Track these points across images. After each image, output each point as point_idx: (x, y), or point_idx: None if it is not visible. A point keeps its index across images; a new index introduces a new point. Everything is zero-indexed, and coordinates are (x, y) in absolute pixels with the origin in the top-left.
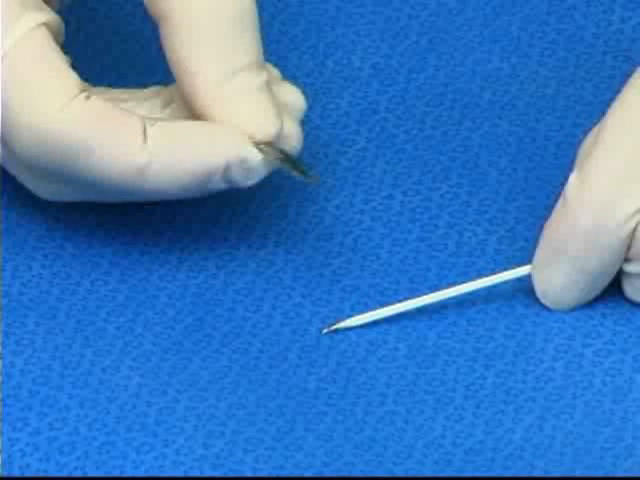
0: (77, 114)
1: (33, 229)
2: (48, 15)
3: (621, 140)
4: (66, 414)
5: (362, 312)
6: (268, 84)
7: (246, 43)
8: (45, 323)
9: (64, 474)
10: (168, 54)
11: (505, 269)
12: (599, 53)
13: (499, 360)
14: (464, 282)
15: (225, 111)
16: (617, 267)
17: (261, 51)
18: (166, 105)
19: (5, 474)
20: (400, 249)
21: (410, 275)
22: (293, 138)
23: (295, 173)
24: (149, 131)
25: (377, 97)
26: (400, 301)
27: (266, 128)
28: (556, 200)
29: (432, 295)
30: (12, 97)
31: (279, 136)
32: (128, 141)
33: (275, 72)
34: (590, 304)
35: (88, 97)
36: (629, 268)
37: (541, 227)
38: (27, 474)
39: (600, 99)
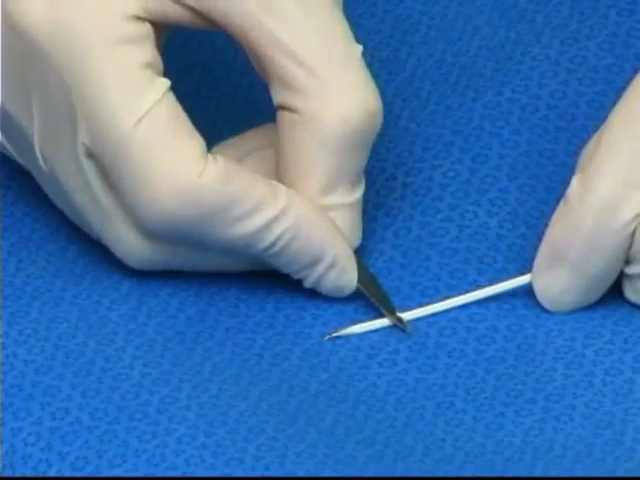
0: (210, 172)
1: (37, 229)
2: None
3: (623, 145)
4: (68, 403)
5: (365, 312)
6: (360, 201)
7: (357, 160)
8: (48, 312)
9: (66, 463)
10: (281, 143)
11: (506, 254)
12: (604, 16)
13: (500, 362)
14: (464, 272)
15: None
16: (617, 270)
17: (364, 168)
18: (251, 152)
19: (7, 464)
20: (403, 240)
21: (412, 268)
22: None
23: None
24: (279, 190)
25: (385, 86)
26: (402, 308)
27: (351, 242)
28: (556, 175)
29: (433, 306)
30: (148, 161)
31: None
32: (260, 193)
33: None
34: (590, 305)
35: (214, 157)
36: (629, 270)
37: (541, 209)
38: (29, 464)
39: (603, 64)
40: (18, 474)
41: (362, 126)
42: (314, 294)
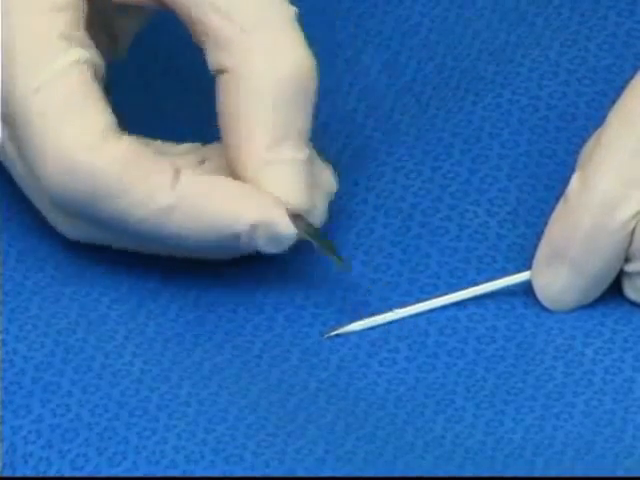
0: (107, 152)
1: (38, 224)
2: (92, 54)
3: (622, 143)
4: (68, 400)
5: (364, 309)
6: (309, 161)
7: (299, 116)
8: (48, 307)
9: (66, 461)
10: (221, 108)
11: (506, 254)
12: (604, 17)
13: (500, 361)
14: (464, 271)
15: (264, 176)
16: (617, 269)
17: (310, 129)
18: (200, 163)
19: (7, 462)
20: (403, 238)
21: (412, 264)
22: (317, 216)
23: (326, 253)
24: (182, 176)
25: (385, 91)
26: (401, 305)
27: (300, 200)
28: (556, 175)
29: (432, 301)
30: (44, 130)
31: (308, 212)
32: (156, 180)
33: (313, 150)
34: (590, 303)
35: (120, 137)
36: (629, 268)
37: (541, 209)
38: (30, 462)
39: (603, 64)
40: (18, 473)
41: (298, 80)
42: (313, 293)
